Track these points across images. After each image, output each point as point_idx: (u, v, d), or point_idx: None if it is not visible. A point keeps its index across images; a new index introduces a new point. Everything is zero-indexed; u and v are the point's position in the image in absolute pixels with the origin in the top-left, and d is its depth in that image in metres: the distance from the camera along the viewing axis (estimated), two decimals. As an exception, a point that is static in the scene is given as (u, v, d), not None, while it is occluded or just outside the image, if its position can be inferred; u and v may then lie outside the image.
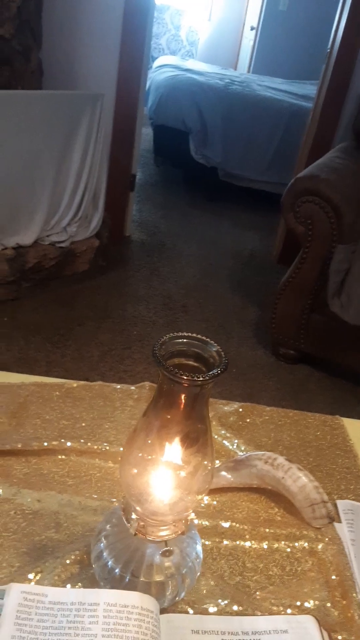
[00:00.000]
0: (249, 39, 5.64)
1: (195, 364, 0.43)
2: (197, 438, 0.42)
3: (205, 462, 0.44)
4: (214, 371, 0.40)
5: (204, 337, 0.42)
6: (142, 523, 0.47)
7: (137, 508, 0.46)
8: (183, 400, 0.41)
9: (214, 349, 0.41)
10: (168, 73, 3.72)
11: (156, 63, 4.43)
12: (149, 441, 0.43)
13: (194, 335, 0.42)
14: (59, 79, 2.31)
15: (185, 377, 0.39)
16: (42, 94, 2.04)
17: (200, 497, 0.47)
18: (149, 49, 2.54)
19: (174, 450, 0.43)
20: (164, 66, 4.06)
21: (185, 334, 0.42)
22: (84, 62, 2.36)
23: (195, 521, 0.59)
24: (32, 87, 2.05)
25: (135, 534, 0.47)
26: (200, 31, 6.03)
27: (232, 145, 3.41)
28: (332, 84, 2.40)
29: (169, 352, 0.42)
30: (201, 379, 0.39)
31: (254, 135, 3.41)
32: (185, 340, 0.42)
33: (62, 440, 0.66)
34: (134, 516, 0.47)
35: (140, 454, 0.44)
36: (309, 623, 0.49)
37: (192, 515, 0.48)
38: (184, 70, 3.86)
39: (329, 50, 2.46)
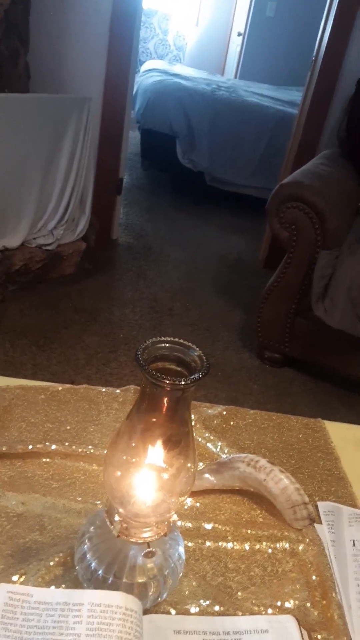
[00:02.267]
0: (236, 45, 5.69)
1: (178, 368, 0.44)
2: (179, 441, 0.43)
3: (188, 465, 0.45)
4: (196, 375, 0.41)
5: (185, 342, 0.43)
6: (125, 525, 0.48)
7: (120, 510, 0.46)
8: (165, 404, 0.42)
9: (196, 354, 0.42)
10: (155, 77, 3.74)
11: (144, 67, 4.44)
12: (133, 444, 0.44)
13: (176, 339, 0.43)
14: (46, 82, 2.31)
15: (167, 381, 0.40)
16: (30, 97, 2.04)
17: (182, 499, 0.48)
18: (137, 53, 2.56)
19: (156, 452, 0.44)
20: (151, 70, 4.07)
21: (168, 338, 0.43)
22: (72, 66, 2.37)
23: (179, 523, 0.60)
24: (19, 91, 2.05)
25: (118, 536, 0.48)
26: (188, 36, 6.06)
27: (218, 150, 3.44)
28: (317, 91, 2.44)
29: (152, 356, 0.43)
30: (183, 383, 0.40)
31: (241, 141, 3.44)
32: (167, 344, 0.43)
33: (47, 443, 0.66)
34: (117, 518, 0.47)
35: (123, 457, 0.44)
36: (289, 623, 0.50)
37: (175, 517, 0.49)
38: (172, 75, 3.89)
39: (314, 58, 2.49)
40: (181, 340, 0.43)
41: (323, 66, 2.40)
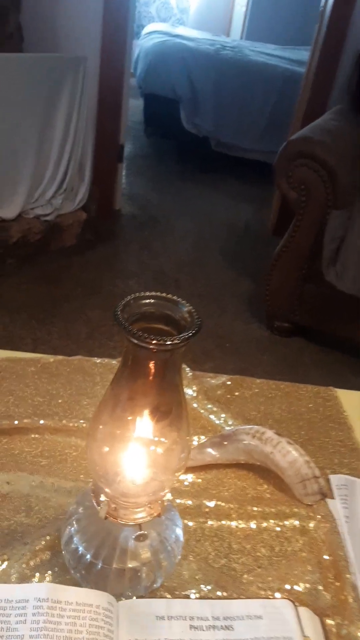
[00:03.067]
0: (241, 5, 5.45)
1: (166, 328, 0.37)
2: (169, 411, 0.37)
3: (180, 437, 0.39)
4: (186, 334, 0.34)
5: (173, 297, 0.37)
6: (113, 505, 0.42)
7: (107, 489, 0.41)
8: (152, 368, 0.36)
9: (185, 309, 0.36)
10: (157, 39, 3.58)
11: (145, 30, 4.27)
12: (116, 416, 0.38)
13: (163, 294, 0.37)
14: (40, 44, 2.21)
15: (153, 341, 0.34)
16: (20, 57, 1.94)
17: (177, 475, 0.43)
18: (134, 10, 2.43)
19: (143, 425, 0.38)
20: (152, 33, 3.91)
21: (152, 293, 0.37)
22: (66, 26, 2.26)
23: (178, 501, 0.55)
24: (9, 51, 1.95)
25: (106, 518, 0.43)
26: (191, -3, 5.83)
27: (224, 113, 3.31)
28: (326, 44, 2.30)
29: (135, 315, 0.37)
30: (170, 342, 0.34)
31: (247, 103, 3.30)
32: (152, 300, 0.37)
33: (35, 418, 0.62)
34: (103, 498, 0.42)
35: (107, 430, 0.39)
36: (286, 608, 0.45)
37: (169, 496, 0.43)
38: (174, 36, 3.72)
39: (322, 8, 2.34)
40: (168, 295, 0.37)
41: (331, 19, 2.26)
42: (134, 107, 4.09)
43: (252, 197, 3.28)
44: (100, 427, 0.39)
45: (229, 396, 0.72)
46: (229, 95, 3.28)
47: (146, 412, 0.37)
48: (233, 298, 2.21)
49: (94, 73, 2.30)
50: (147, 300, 0.37)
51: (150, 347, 0.34)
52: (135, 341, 0.34)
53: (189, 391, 0.70)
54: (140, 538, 0.43)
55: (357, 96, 2.10)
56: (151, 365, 0.36)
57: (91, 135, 2.30)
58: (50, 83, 1.93)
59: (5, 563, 0.46)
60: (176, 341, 0.34)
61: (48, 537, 0.49)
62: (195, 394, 0.70)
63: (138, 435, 0.39)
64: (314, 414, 0.71)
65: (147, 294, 0.37)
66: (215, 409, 0.68)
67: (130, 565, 0.44)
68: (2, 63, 1.79)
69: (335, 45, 2.28)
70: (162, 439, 0.39)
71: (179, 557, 0.48)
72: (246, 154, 3.48)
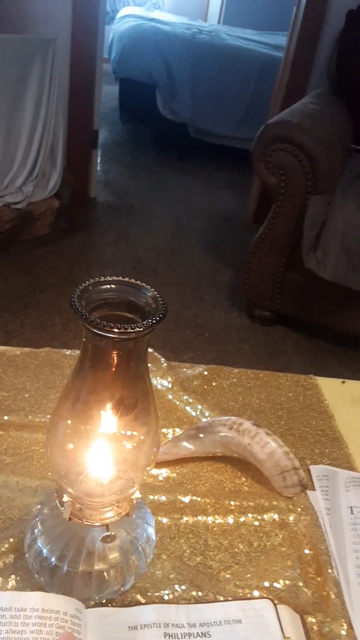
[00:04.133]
0: (218, -11, 5.36)
1: (129, 315, 0.34)
2: (134, 404, 0.34)
3: (148, 431, 0.36)
4: (149, 320, 0.31)
5: (136, 281, 0.34)
6: (77, 505, 0.39)
7: (69, 489, 0.38)
8: (115, 359, 0.33)
9: (150, 294, 0.33)
10: (131, 23, 3.50)
11: (119, 14, 4.17)
12: (76, 411, 0.35)
13: (125, 279, 0.34)
14: (8, 26, 2.12)
15: (114, 330, 0.31)
16: (-13, 37, 1.86)
17: (147, 471, 0.40)
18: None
19: (107, 419, 0.35)
20: (127, 17, 3.82)
21: (113, 278, 0.33)
22: (34, 6, 2.17)
23: (151, 497, 0.52)
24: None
25: (70, 519, 0.40)
26: (167, -19, 5.71)
27: (201, 98, 3.26)
28: (304, 28, 2.26)
29: (95, 302, 0.34)
30: (134, 330, 0.31)
31: (225, 88, 3.25)
32: (113, 286, 0.34)
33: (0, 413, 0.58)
34: (66, 498, 0.39)
35: (66, 426, 0.36)
36: (266, 609, 0.43)
37: (137, 494, 0.40)
38: (149, 19, 3.64)
39: (300, -9, 2.30)
40: (130, 280, 0.34)
41: (308, 2, 2.22)
42: (109, 93, 4.01)
43: (232, 184, 3.24)
44: (60, 422, 0.36)
45: (205, 387, 0.69)
46: (206, 81, 3.23)
47: (109, 406, 0.34)
48: (212, 287, 2.18)
49: (64, 56, 2.22)
50: (108, 286, 0.33)
51: (112, 336, 0.31)
52: (95, 330, 0.31)
53: (164, 382, 0.67)
54: (107, 539, 0.40)
55: (336, 79, 2.07)
56: (113, 355, 0.33)
57: (63, 120, 2.23)
58: (17, 65, 1.86)
59: (-35, 569, 0.43)
60: (139, 329, 0.31)
61: (12, 540, 0.46)
62: (170, 385, 0.67)
63: (102, 430, 0.36)
64: (293, 403, 0.69)
65: (108, 278, 0.33)
66: (191, 400, 0.66)
67: (97, 568, 0.41)
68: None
69: (313, 29, 2.24)
70: (129, 434, 0.36)
71: (152, 556, 0.46)
72: (225, 141, 3.44)
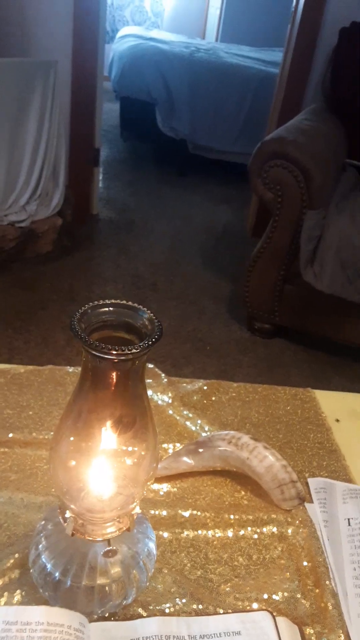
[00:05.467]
0: (215, 7, 5.46)
1: (127, 336, 0.36)
2: (132, 422, 0.36)
3: (145, 449, 0.37)
4: (146, 342, 0.33)
5: (133, 304, 0.35)
6: (80, 521, 0.41)
7: (72, 506, 0.40)
8: (113, 379, 0.35)
9: (146, 316, 0.35)
10: (131, 42, 3.57)
11: (119, 34, 4.26)
12: (77, 429, 0.37)
13: (122, 302, 0.36)
14: (10, 49, 2.17)
15: (112, 352, 0.32)
16: (-10, 62, 1.91)
17: (146, 487, 0.41)
18: (105, 13, 2.41)
19: (107, 437, 0.36)
20: (126, 36, 3.90)
21: (111, 301, 0.35)
22: (36, 30, 2.23)
23: (152, 512, 0.53)
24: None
25: (73, 534, 0.41)
26: (165, 1, 5.82)
27: (200, 115, 3.31)
28: (298, 45, 2.31)
29: (94, 324, 0.35)
30: (131, 351, 0.32)
31: (222, 104, 3.30)
32: (111, 308, 0.35)
33: (4, 431, 0.60)
34: (69, 514, 0.40)
35: (68, 444, 0.37)
36: (265, 621, 0.44)
37: (138, 509, 0.42)
38: (147, 39, 3.72)
39: (293, 9, 2.36)
40: (128, 303, 0.35)
41: (303, 17, 2.27)
42: (110, 111, 4.07)
43: (230, 198, 3.28)
44: (63, 440, 0.37)
45: (205, 401, 0.71)
46: (204, 98, 3.28)
47: (109, 424, 0.36)
48: (212, 300, 2.20)
49: (66, 77, 2.27)
50: (106, 309, 0.35)
51: (110, 357, 0.33)
52: (94, 352, 0.33)
53: (165, 398, 0.69)
54: (109, 554, 0.41)
55: (330, 95, 2.11)
56: (112, 375, 0.34)
57: (65, 139, 2.27)
58: (19, 88, 1.90)
59: (-28, 585, 0.44)
60: (136, 350, 0.32)
61: (17, 555, 0.47)
62: (171, 401, 0.68)
63: (102, 447, 0.37)
64: (292, 416, 0.70)
65: (106, 302, 0.35)
66: (191, 415, 0.67)
67: (99, 582, 0.42)
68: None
69: (308, 46, 2.29)
70: (129, 450, 0.37)
71: (153, 570, 0.47)
72: (223, 156, 3.48)
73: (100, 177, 3.07)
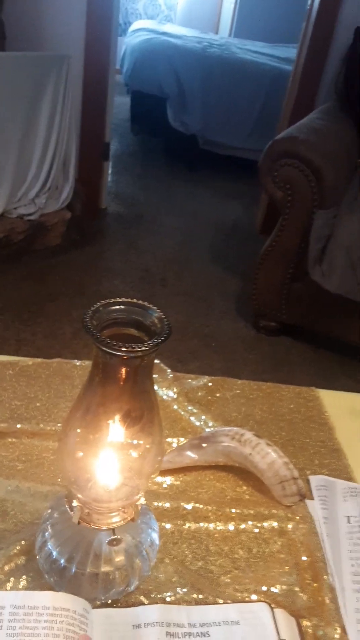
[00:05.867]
0: (229, 2, 5.43)
1: (137, 334, 0.37)
2: (140, 416, 0.37)
3: (151, 443, 0.39)
4: (155, 340, 0.34)
5: (144, 303, 0.37)
6: (86, 510, 0.42)
7: (79, 495, 0.41)
8: (123, 375, 0.36)
9: (156, 315, 0.36)
10: (143, 37, 3.56)
11: (132, 27, 4.25)
12: (86, 421, 0.38)
13: (133, 300, 0.37)
14: (23, 43, 2.18)
15: (122, 348, 0.33)
16: (4, 55, 1.92)
17: (151, 479, 0.42)
18: (118, 6, 2.41)
19: (114, 430, 0.38)
20: (139, 30, 3.89)
21: (123, 299, 0.36)
22: (49, 24, 2.24)
23: (155, 504, 0.54)
24: (-7, 52, 1.94)
25: (79, 523, 0.42)
26: (179, -6, 5.80)
27: (211, 111, 3.30)
28: (313, 42, 2.30)
29: (105, 321, 0.36)
30: (140, 349, 0.34)
31: (235, 101, 3.29)
32: (122, 306, 0.37)
33: (12, 421, 0.61)
34: (75, 503, 0.42)
35: (77, 436, 0.39)
36: (263, 612, 0.45)
37: (142, 500, 0.43)
38: (160, 33, 3.71)
39: (308, 7, 2.35)
40: (138, 301, 0.37)
41: (318, 15, 2.26)
42: (121, 104, 4.07)
43: (240, 195, 3.27)
44: (71, 432, 0.38)
45: (210, 397, 0.72)
46: (216, 94, 3.27)
47: (117, 418, 0.37)
48: (220, 297, 2.21)
49: (78, 71, 2.28)
50: (117, 307, 0.36)
51: (120, 354, 0.34)
52: (105, 349, 0.34)
53: (170, 393, 0.70)
54: (113, 543, 0.43)
55: (344, 94, 2.10)
56: (121, 371, 0.35)
57: (75, 133, 2.28)
58: (32, 82, 1.91)
59: (-20, 568, 0.46)
60: (145, 347, 0.34)
61: (23, 542, 0.49)
62: (176, 396, 0.70)
63: (109, 440, 0.38)
64: (295, 414, 0.71)
65: (117, 300, 0.36)
66: (195, 410, 0.68)
67: (104, 570, 0.44)
68: (-16, 62, 1.77)
69: (322, 44, 2.28)
70: (135, 443, 0.39)
71: (155, 560, 0.48)
72: (234, 152, 3.48)
73: (110, 171, 3.08)
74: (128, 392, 0.37)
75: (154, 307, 0.36)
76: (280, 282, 1.83)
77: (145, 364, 0.36)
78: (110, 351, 0.34)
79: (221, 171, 3.56)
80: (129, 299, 0.37)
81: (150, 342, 0.34)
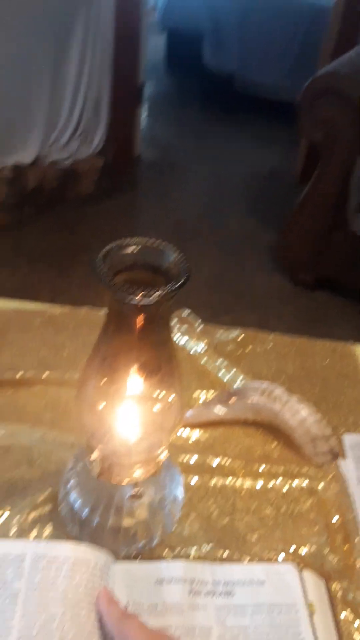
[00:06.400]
0: None
1: (153, 278, 0.34)
2: (157, 367, 0.34)
3: (170, 395, 0.36)
4: (171, 285, 0.31)
5: (160, 244, 0.33)
6: (107, 463, 0.41)
7: (98, 447, 0.39)
8: (137, 323, 0.33)
9: (173, 257, 0.32)
10: (178, -31, 3.33)
11: None
12: (102, 373, 0.36)
13: (148, 241, 0.33)
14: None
15: (135, 294, 0.30)
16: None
17: (172, 434, 0.40)
18: None
19: (132, 382, 0.35)
20: None
21: (137, 238, 0.33)
22: None
23: (182, 457, 0.53)
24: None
25: (99, 476, 0.41)
26: None
27: (249, 48, 3.11)
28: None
29: (119, 265, 0.33)
30: (156, 294, 0.30)
31: (273, 37, 3.08)
32: (137, 248, 0.33)
33: (40, 370, 0.60)
34: (95, 456, 0.40)
35: (93, 387, 0.36)
36: (289, 574, 0.43)
37: (165, 455, 0.41)
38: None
39: None
40: (155, 242, 0.33)
41: None
42: (156, 45, 3.88)
43: (279, 140, 3.11)
44: (88, 383, 0.36)
45: (240, 351, 0.69)
46: (254, 30, 3.06)
47: (134, 369, 0.34)
48: (255, 249, 2.14)
49: (109, 8, 2.15)
50: (132, 248, 0.33)
51: (132, 300, 0.31)
52: (116, 294, 0.31)
53: (198, 347, 0.67)
54: (135, 496, 0.41)
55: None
56: (136, 319, 0.32)
57: (107, 74, 2.17)
58: (62, 19, 1.83)
59: (6, 514, 0.46)
60: (161, 293, 0.30)
61: (49, 490, 0.48)
62: (205, 349, 0.67)
63: (127, 393, 0.36)
64: (329, 371, 0.68)
65: (132, 239, 0.33)
66: (224, 364, 0.65)
67: (125, 523, 0.43)
68: (11, -3, 1.69)
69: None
70: (153, 397, 0.36)
71: (179, 515, 0.47)
72: (272, 94, 3.29)
73: (143, 115, 2.97)
74: (144, 342, 0.34)
75: (172, 249, 0.33)
76: (318, 233, 1.74)
77: (162, 312, 0.33)
78: (122, 298, 0.31)
79: (258, 115, 3.38)
80: (144, 238, 0.33)
81: (167, 287, 0.31)
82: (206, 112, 3.42)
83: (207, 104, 3.50)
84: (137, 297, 0.30)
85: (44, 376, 0.60)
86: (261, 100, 3.36)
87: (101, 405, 0.37)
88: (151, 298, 0.30)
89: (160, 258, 0.33)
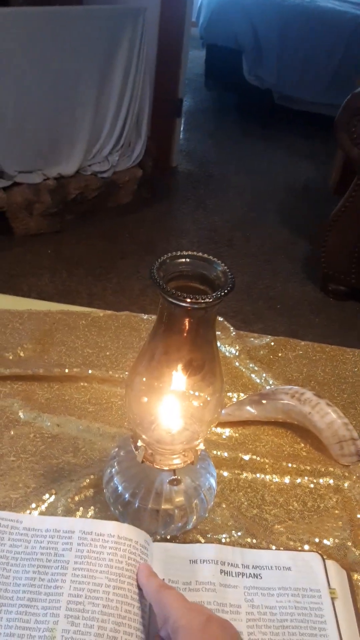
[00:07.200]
0: None
1: (201, 287, 0.39)
2: (201, 366, 0.39)
3: (212, 392, 0.41)
4: (219, 292, 0.35)
5: (208, 256, 0.38)
6: (149, 451, 0.45)
7: (143, 436, 0.44)
8: (186, 325, 0.38)
9: (220, 269, 0.37)
10: (220, -15, 3.39)
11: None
12: (151, 368, 0.40)
13: (198, 254, 0.38)
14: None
15: (187, 300, 0.35)
16: (80, 9, 1.91)
17: (210, 427, 0.45)
18: None
19: (177, 378, 0.40)
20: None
21: (188, 252, 0.38)
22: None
23: (214, 452, 0.57)
24: (70, 4, 1.93)
25: (143, 462, 0.46)
26: None
27: (288, 63, 3.13)
28: None
29: (171, 274, 0.38)
30: (204, 301, 0.35)
31: (313, 52, 3.09)
32: (188, 259, 0.38)
33: (85, 367, 0.65)
34: (140, 443, 0.45)
35: (142, 381, 0.41)
36: (315, 561, 0.47)
37: (202, 446, 0.46)
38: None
39: None
40: (204, 255, 0.38)
41: None
42: (196, 58, 3.96)
43: (314, 153, 3.13)
44: (137, 378, 0.41)
45: (271, 357, 0.72)
46: (293, 45, 3.09)
47: (180, 366, 0.39)
48: (288, 259, 2.16)
49: (153, 24, 2.22)
50: (183, 260, 0.38)
51: (185, 305, 0.35)
52: (171, 299, 0.35)
53: (232, 350, 0.71)
54: (173, 482, 0.46)
55: None
56: (185, 322, 0.37)
57: (148, 88, 2.25)
58: (109, 36, 1.90)
59: (53, 497, 0.51)
60: (210, 300, 0.35)
61: (92, 476, 0.53)
62: (237, 353, 0.71)
63: (173, 388, 0.41)
64: (358, 378, 0.70)
65: (184, 253, 0.38)
66: (257, 368, 0.69)
67: (164, 507, 0.47)
68: (62, 16, 1.78)
69: None
70: (196, 393, 0.41)
71: (212, 503, 0.51)
72: (310, 108, 3.30)
73: (181, 128, 3.03)
74: (190, 343, 0.39)
75: (219, 261, 0.37)
76: (352, 245, 1.76)
77: (209, 315, 0.37)
78: (175, 302, 0.35)
79: (295, 128, 3.41)
80: (194, 252, 0.38)
81: (214, 294, 0.35)
82: (243, 125, 3.46)
83: (244, 117, 3.55)
84: (188, 302, 0.34)
85: (88, 373, 0.65)
86: (298, 113, 3.38)
87: (148, 399, 0.41)
88: (200, 303, 0.34)
89: (208, 269, 0.37)
